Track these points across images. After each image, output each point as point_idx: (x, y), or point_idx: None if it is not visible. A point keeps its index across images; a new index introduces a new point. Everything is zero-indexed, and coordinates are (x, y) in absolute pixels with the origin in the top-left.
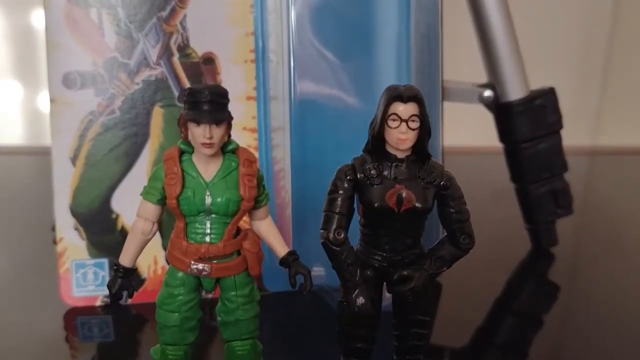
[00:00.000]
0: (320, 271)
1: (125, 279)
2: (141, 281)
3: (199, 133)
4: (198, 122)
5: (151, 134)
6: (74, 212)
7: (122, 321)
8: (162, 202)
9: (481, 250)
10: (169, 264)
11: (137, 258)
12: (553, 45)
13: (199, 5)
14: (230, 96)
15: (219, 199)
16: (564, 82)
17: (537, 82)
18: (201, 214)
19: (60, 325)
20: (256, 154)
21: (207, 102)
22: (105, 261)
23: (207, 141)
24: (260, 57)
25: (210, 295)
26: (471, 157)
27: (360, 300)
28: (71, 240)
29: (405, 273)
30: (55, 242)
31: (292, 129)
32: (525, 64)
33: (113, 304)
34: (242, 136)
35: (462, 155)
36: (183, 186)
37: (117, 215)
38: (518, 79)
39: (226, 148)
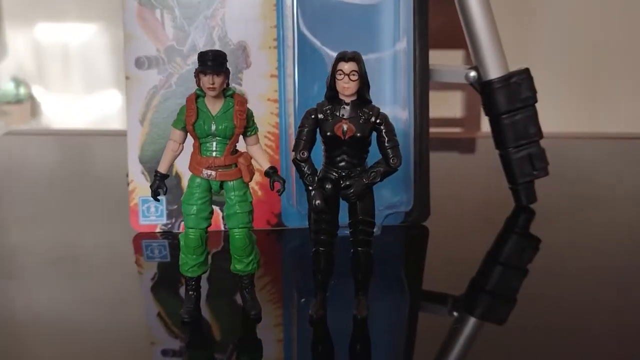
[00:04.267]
0: None
1: (161, 181)
2: None
3: (205, 80)
4: (205, 73)
5: None
6: (142, 161)
7: (175, 245)
8: (185, 129)
9: (472, 210)
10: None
11: (169, 167)
12: None
13: (234, 5)
14: (257, 74)
15: (220, 126)
16: None
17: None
18: (209, 137)
19: (131, 246)
20: (277, 120)
21: (210, 60)
22: (163, 198)
23: (211, 86)
24: (281, 45)
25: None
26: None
27: (316, 199)
28: (139, 182)
29: (348, 182)
30: (128, 184)
31: (296, 101)
32: None
33: (154, 198)
34: (267, 105)
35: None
36: (197, 117)
37: (173, 164)
38: (497, 61)
39: (226, 93)
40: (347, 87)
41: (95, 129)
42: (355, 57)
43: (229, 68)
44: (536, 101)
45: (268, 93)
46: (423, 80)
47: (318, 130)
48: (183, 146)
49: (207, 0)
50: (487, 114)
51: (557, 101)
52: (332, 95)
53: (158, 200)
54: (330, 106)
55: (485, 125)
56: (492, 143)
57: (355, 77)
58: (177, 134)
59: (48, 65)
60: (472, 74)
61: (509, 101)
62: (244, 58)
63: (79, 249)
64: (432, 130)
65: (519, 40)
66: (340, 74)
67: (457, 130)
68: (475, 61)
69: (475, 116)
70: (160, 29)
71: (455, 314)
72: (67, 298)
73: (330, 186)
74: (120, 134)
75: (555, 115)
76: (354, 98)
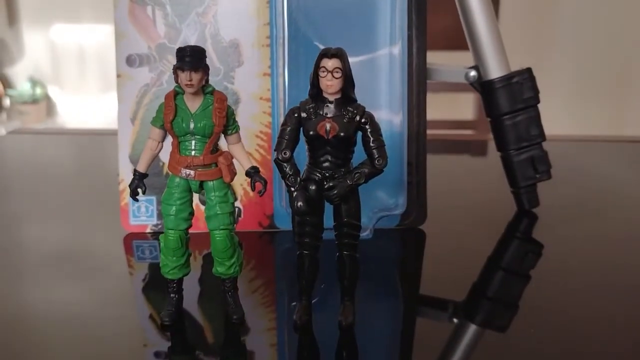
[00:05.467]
0: None
1: (140, 181)
2: None
3: (183, 77)
4: (182, 69)
5: None
6: (132, 160)
7: None
8: (164, 127)
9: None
10: (169, 173)
11: (148, 167)
12: None
13: (227, 2)
14: (250, 73)
15: (199, 125)
16: None
17: None
18: (187, 135)
19: (121, 245)
20: (269, 119)
21: (188, 55)
22: (154, 198)
23: (188, 82)
24: (274, 43)
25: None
26: None
27: (299, 201)
28: (130, 181)
29: (331, 184)
30: (118, 183)
31: (285, 100)
32: None
33: (132, 197)
34: (260, 104)
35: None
36: (175, 115)
37: (164, 163)
38: (498, 61)
39: (206, 90)
40: (330, 84)
41: (108, 129)
42: (338, 54)
43: (221, 66)
44: (538, 102)
45: (261, 92)
46: (420, 81)
47: (301, 129)
48: (162, 145)
49: None
50: (487, 115)
51: (563, 102)
52: (316, 93)
53: (137, 200)
54: (313, 104)
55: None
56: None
57: (338, 75)
58: (156, 132)
59: (64, 65)
60: (472, 73)
61: (510, 102)
62: (237, 56)
63: (71, 248)
64: (443, 132)
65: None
66: (323, 71)
67: (469, 132)
68: (475, 60)
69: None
70: (151, 26)
71: (455, 320)
72: (58, 298)
73: (313, 187)
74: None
75: (560, 117)
76: (338, 96)
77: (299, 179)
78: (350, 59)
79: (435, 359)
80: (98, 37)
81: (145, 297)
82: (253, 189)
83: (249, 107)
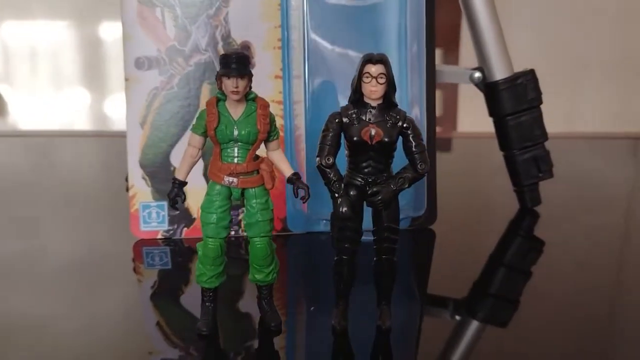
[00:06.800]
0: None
1: (180, 189)
2: (192, 220)
3: (229, 84)
4: (228, 76)
5: (201, 104)
6: (142, 165)
7: (176, 252)
8: (205, 134)
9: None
10: (209, 180)
11: (188, 174)
12: None
13: (238, 4)
14: (261, 75)
15: (243, 132)
16: None
17: None
18: (231, 142)
19: (130, 252)
20: (282, 122)
21: (234, 62)
22: (164, 203)
23: (235, 89)
24: (285, 45)
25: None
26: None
27: (343, 206)
28: (140, 187)
29: (375, 189)
30: (127, 189)
31: (306, 103)
32: None
33: (172, 207)
34: (272, 107)
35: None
36: (219, 122)
37: (175, 168)
38: (503, 62)
39: (248, 97)
40: (374, 90)
41: (63, 130)
42: (383, 59)
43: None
44: (541, 102)
45: (273, 94)
46: (430, 82)
47: (342, 134)
48: (202, 152)
49: None
50: (491, 115)
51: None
52: (357, 98)
53: (177, 209)
54: (355, 110)
55: (462, 125)
56: (468, 143)
57: (383, 80)
58: (197, 139)
59: (15, 65)
60: (477, 74)
61: (515, 102)
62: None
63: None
64: None
65: None
66: (367, 77)
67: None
68: (480, 62)
69: (452, 116)
70: (161, 28)
71: (457, 317)
72: (67, 306)
73: (355, 193)
74: (87, 135)
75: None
76: (380, 101)
77: (343, 185)
78: None
79: (439, 353)
80: (51, 35)
81: (153, 304)
82: (296, 195)
83: None
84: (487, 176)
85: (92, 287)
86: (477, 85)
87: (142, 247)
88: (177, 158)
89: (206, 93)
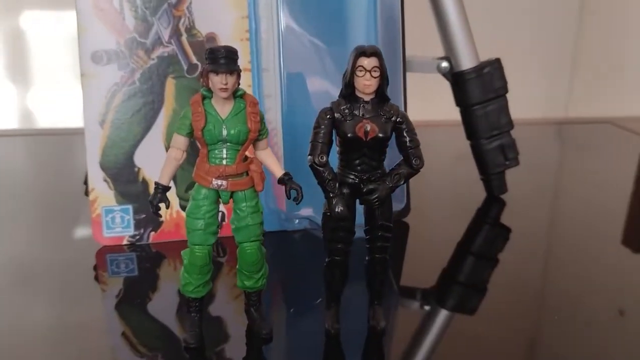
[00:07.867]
0: (308, 212)
1: (163, 194)
2: (159, 223)
3: (217, 80)
4: (217, 72)
5: (165, 100)
6: (103, 167)
7: (143, 258)
8: (190, 134)
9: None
10: (195, 183)
11: (171, 178)
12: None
13: None
14: None
15: (232, 131)
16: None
17: None
18: (219, 143)
19: (93, 260)
20: None
21: (223, 57)
22: (129, 207)
23: (224, 86)
24: (254, 36)
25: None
26: (439, 128)
27: (339, 206)
28: (101, 190)
29: (371, 187)
30: (87, 194)
31: (282, 96)
32: None
33: (154, 214)
34: None
35: (432, 127)
36: (206, 122)
37: (139, 169)
38: (469, 52)
39: (236, 94)
40: (368, 84)
41: (8, 129)
42: (376, 52)
43: (198, 62)
44: (507, 91)
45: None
46: (404, 72)
47: (334, 131)
48: (185, 155)
49: None
50: (458, 105)
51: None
52: (349, 93)
53: (160, 215)
54: (348, 105)
55: (411, 113)
56: (420, 131)
57: (377, 74)
58: (181, 140)
59: None
60: (444, 64)
61: (482, 92)
62: None
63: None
64: None
65: None
66: (360, 70)
67: None
68: (446, 51)
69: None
70: (119, 19)
71: (426, 307)
72: (22, 320)
73: (348, 191)
74: (14, 134)
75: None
76: (373, 96)
77: (337, 184)
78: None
79: (409, 342)
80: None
81: (118, 314)
82: (288, 197)
83: None
84: (449, 165)
85: (49, 299)
86: (444, 75)
87: (105, 255)
88: (141, 159)
89: (171, 88)
